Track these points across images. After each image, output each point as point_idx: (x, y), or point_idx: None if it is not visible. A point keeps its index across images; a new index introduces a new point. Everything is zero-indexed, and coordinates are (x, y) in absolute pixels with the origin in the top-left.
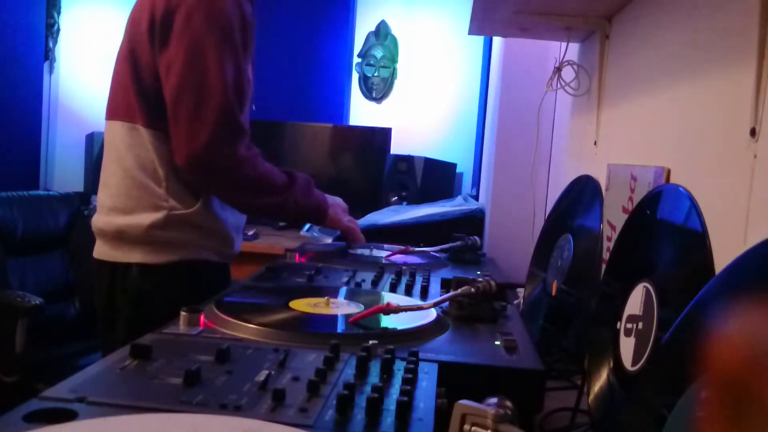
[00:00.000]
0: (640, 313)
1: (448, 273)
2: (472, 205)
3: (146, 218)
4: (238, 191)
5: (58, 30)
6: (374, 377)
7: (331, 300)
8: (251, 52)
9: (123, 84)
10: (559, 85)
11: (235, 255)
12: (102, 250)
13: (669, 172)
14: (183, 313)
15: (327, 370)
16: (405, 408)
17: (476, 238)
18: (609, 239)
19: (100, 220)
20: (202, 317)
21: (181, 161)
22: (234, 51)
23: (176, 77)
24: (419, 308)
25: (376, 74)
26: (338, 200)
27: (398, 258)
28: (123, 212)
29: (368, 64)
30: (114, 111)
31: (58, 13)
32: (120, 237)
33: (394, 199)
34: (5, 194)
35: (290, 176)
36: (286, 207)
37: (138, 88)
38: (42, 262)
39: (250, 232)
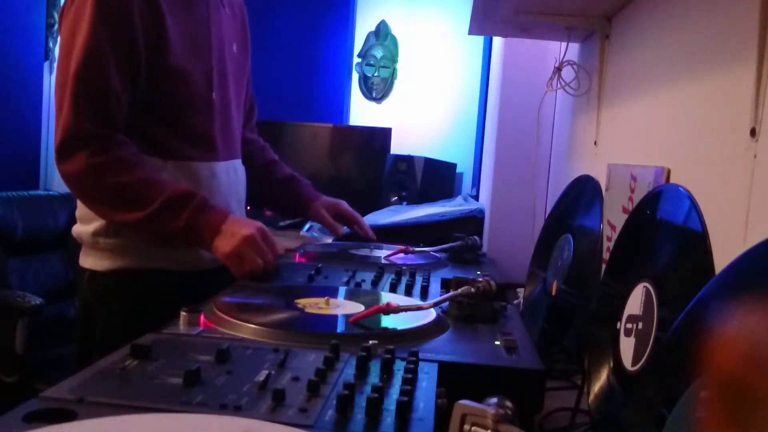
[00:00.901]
0: (640, 313)
1: (448, 273)
2: (472, 205)
3: (92, 225)
4: (91, 201)
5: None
6: (374, 377)
7: (331, 300)
8: (161, 41)
9: None
10: (559, 85)
11: (207, 261)
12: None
13: (669, 172)
14: (183, 313)
15: (327, 370)
16: (405, 408)
17: (476, 238)
18: (609, 239)
19: None
20: (202, 317)
21: None
22: (99, 51)
23: (54, 85)
24: (419, 308)
25: (376, 74)
26: (246, 225)
27: (398, 258)
28: (79, 219)
29: (368, 64)
30: None
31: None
32: (80, 243)
33: (394, 199)
34: (5, 194)
35: (164, 193)
36: (143, 224)
37: None
38: (42, 262)
39: None
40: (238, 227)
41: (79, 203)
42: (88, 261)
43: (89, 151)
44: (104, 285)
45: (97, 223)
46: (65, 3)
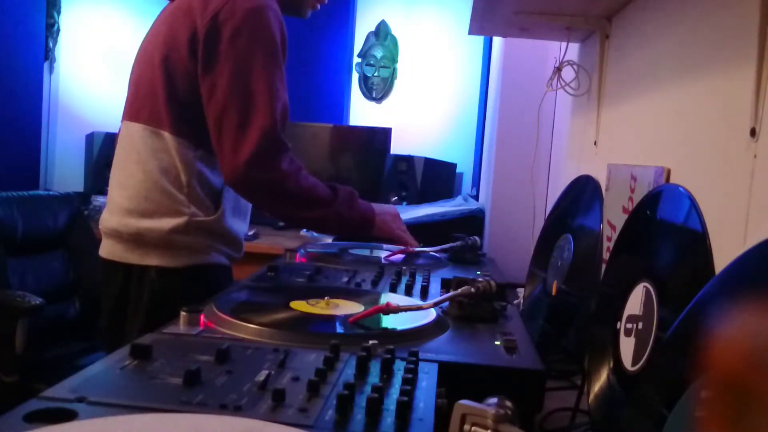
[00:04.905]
0: (640, 313)
1: (448, 273)
2: (472, 205)
3: (167, 223)
4: (282, 205)
5: (58, 30)
6: (374, 377)
7: (331, 300)
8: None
9: (151, 89)
10: (559, 85)
11: (240, 257)
12: (114, 251)
13: (669, 172)
14: (183, 313)
15: (327, 370)
16: (405, 408)
17: (476, 238)
18: (609, 239)
19: (113, 221)
20: (202, 317)
21: (225, 177)
22: (279, 68)
23: (222, 95)
24: (419, 308)
25: (376, 74)
26: (388, 208)
27: (398, 258)
28: (141, 215)
29: (368, 64)
30: (136, 113)
31: (58, 13)
32: (137, 239)
33: (394, 199)
34: (5, 194)
35: (333, 189)
36: (330, 220)
37: (169, 95)
38: (42, 262)
39: (251, 232)
40: (382, 207)
41: (135, 195)
42: (152, 258)
43: (288, 157)
44: (178, 280)
45: (175, 221)
46: (227, 17)
